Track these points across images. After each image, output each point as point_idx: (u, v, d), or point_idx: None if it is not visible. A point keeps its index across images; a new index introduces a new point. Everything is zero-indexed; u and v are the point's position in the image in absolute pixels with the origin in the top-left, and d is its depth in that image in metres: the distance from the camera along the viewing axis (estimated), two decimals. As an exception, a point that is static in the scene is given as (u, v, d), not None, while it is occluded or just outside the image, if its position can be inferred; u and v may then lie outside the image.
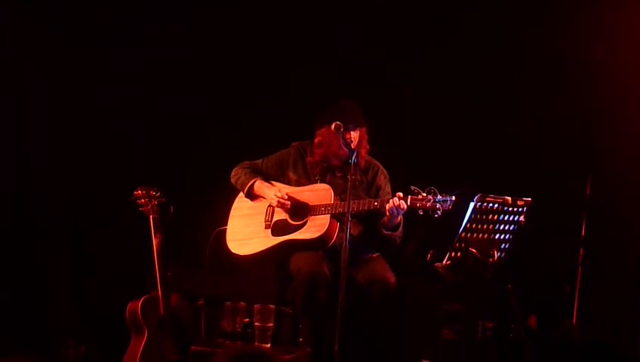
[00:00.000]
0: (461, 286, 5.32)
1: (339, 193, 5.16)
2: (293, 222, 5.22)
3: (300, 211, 5.22)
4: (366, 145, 5.28)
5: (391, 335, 5.82)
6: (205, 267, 5.44)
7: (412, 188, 4.93)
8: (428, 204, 4.87)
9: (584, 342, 5.51)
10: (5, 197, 6.26)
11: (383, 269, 5.09)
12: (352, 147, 5.08)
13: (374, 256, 5.20)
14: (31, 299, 6.27)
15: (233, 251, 5.31)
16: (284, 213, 5.26)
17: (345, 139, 5.10)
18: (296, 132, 5.55)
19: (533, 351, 5.36)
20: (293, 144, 5.45)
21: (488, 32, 6.13)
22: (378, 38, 6.23)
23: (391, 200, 4.95)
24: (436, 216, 4.87)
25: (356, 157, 4.99)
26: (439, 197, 4.86)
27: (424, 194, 4.89)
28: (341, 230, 5.01)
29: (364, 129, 5.25)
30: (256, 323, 5.09)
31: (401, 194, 4.95)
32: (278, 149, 5.48)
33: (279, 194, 5.24)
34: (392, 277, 5.05)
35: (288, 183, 5.36)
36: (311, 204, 5.18)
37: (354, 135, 5.18)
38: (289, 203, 5.23)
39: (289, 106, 6.19)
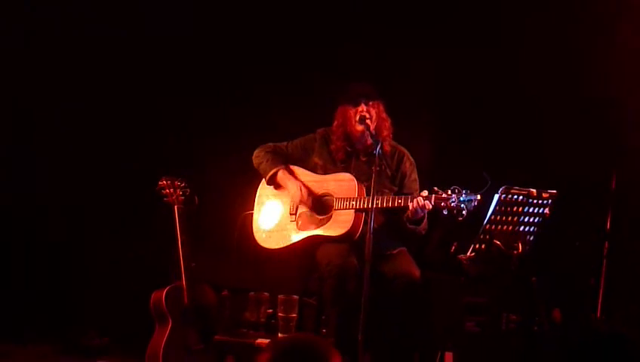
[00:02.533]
0: (485, 279, 5.30)
1: (363, 180, 5.13)
2: (318, 216, 5.20)
3: (322, 206, 5.21)
4: (388, 126, 5.23)
5: (415, 327, 5.83)
6: (233, 251, 5.42)
7: (435, 188, 4.86)
8: (452, 204, 4.80)
9: (608, 335, 5.47)
10: (29, 188, 6.31)
11: (407, 264, 5.07)
12: (369, 125, 5.05)
13: (400, 250, 5.18)
14: (56, 289, 6.32)
15: (260, 244, 5.29)
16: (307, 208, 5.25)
17: (369, 130, 5.08)
18: (320, 119, 5.54)
19: (557, 344, 5.33)
20: (319, 130, 5.41)
21: (513, 21, 6.09)
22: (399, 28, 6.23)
23: (415, 199, 4.88)
24: (460, 218, 4.79)
25: (381, 148, 4.97)
26: (463, 196, 4.80)
27: (449, 193, 4.83)
28: (366, 223, 4.98)
29: (380, 105, 5.20)
30: (280, 314, 5.10)
31: (425, 193, 4.90)
32: (302, 135, 5.46)
33: (298, 194, 5.20)
34: (416, 272, 5.02)
35: (313, 168, 5.32)
36: (335, 196, 5.16)
37: (371, 110, 5.15)
38: (311, 200, 5.20)
39: (314, 92, 6.17)
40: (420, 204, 4.86)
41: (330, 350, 2.35)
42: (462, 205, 4.78)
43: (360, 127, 5.13)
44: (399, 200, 4.97)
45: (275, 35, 6.33)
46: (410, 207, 4.90)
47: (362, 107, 5.13)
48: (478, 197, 4.80)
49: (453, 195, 4.81)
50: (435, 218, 5.21)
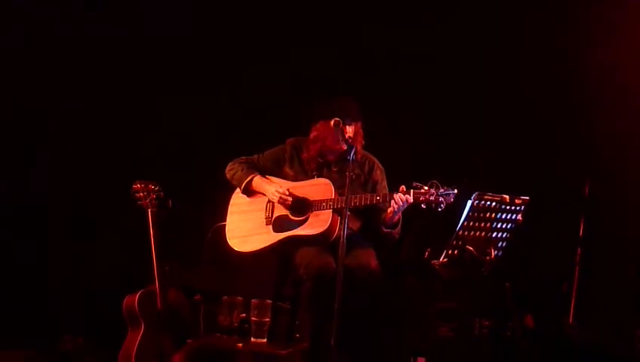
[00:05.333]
0: (458, 284, 5.32)
1: (336, 188, 5.16)
2: (294, 218, 5.22)
3: (301, 207, 5.22)
4: (361, 140, 5.28)
5: (387, 331, 5.83)
6: (203, 263, 5.44)
7: (414, 183, 4.93)
8: (431, 198, 4.88)
9: (581, 341, 5.50)
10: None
11: (366, 256, 5.08)
12: (350, 143, 5.09)
13: (364, 246, 5.18)
14: (28, 293, 6.28)
15: (235, 248, 5.29)
16: (285, 209, 5.26)
17: (344, 135, 5.11)
18: (293, 128, 5.54)
19: (530, 350, 5.36)
20: (288, 140, 5.44)
21: (488, 23, 6.12)
22: (375, 33, 6.24)
23: (396, 195, 4.96)
24: (439, 209, 4.88)
25: (354, 153, 5.00)
26: (442, 190, 4.88)
27: (426, 188, 4.90)
28: (342, 224, 5.00)
29: (359, 123, 5.25)
30: (253, 318, 5.10)
31: (404, 188, 4.96)
32: (274, 145, 5.48)
33: (281, 190, 5.23)
34: (373, 262, 5.05)
35: (285, 179, 5.35)
36: (312, 198, 5.18)
37: (349, 129, 5.18)
38: (291, 199, 5.22)
39: (285, 102, 6.18)
40: (403, 198, 4.92)
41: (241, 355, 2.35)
42: (440, 198, 4.87)
43: (344, 146, 5.16)
44: (378, 198, 5.01)
45: (250, 45, 6.34)
46: (393, 203, 4.95)
47: (346, 128, 5.14)
48: (455, 191, 4.89)
49: (432, 189, 4.88)
50: (408, 223, 5.23)
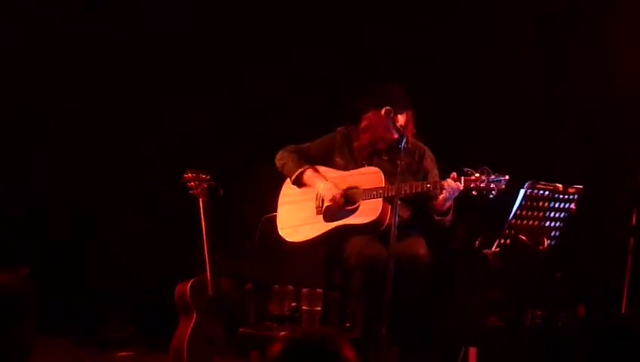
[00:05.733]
0: (510, 274, 5.29)
1: (387, 177, 5.13)
2: (345, 208, 5.20)
3: (351, 196, 5.21)
4: (412, 129, 5.24)
5: (438, 321, 5.82)
6: (254, 253, 5.45)
7: (465, 169, 4.89)
8: (482, 185, 4.82)
9: (633, 330, 5.45)
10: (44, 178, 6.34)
11: (415, 244, 5.04)
12: (402, 132, 5.06)
13: (414, 234, 5.15)
14: (80, 280, 6.35)
15: (286, 238, 5.28)
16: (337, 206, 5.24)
17: (395, 124, 5.09)
18: (340, 117, 5.53)
19: (582, 340, 5.32)
20: (338, 129, 5.41)
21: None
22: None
23: (446, 181, 4.91)
24: (491, 196, 4.82)
25: (406, 142, 4.97)
26: (493, 176, 4.82)
27: (477, 175, 4.85)
28: (393, 213, 4.98)
29: (410, 112, 5.21)
30: (304, 307, 5.12)
31: (455, 175, 4.91)
32: (325, 134, 5.46)
33: (331, 192, 5.17)
34: (421, 251, 5.00)
35: (335, 168, 5.34)
36: (362, 187, 5.17)
37: (400, 118, 5.15)
38: (343, 201, 5.19)
39: (335, 91, 6.17)
40: (452, 185, 4.87)
41: (344, 344, 2.33)
42: (492, 185, 4.80)
43: (395, 135, 5.13)
44: (428, 185, 4.98)
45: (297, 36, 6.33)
46: (443, 191, 4.90)
47: (397, 118, 5.11)
48: (507, 177, 4.82)
49: (483, 176, 4.82)
50: (460, 212, 5.20)
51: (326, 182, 5.25)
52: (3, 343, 2.17)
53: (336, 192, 5.16)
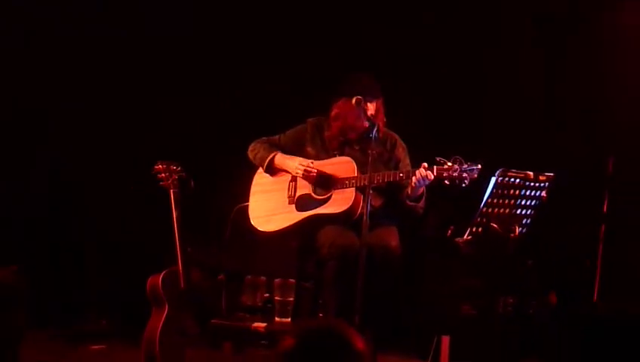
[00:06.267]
0: (482, 262, 5.31)
1: (359, 166, 5.12)
2: (317, 196, 5.19)
3: (323, 184, 5.20)
4: (383, 117, 5.23)
5: (410, 310, 5.83)
6: (226, 243, 5.43)
7: (437, 158, 4.88)
8: (455, 174, 4.82)
9: (605, 318, 5.48)
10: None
11: (387, 234, 5.05)
12: (372, 121, 5.05)
13: (387, 224, 5.16)
14: (54, 274, 6.31)
15: (258, 228, 5.28)
16: (308, 188, 5.24)
17: (365, 113, 5.07)
18: (310, 106, 5.51)
19: (554, 327, 5.34)
20: (309, 120, 5.40)
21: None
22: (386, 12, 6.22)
23: (417, 171, 4.90)
24: (463, 185, 4.81)
25: (377, 131, 4.97)
26: (465, 166, 4.81)
27: (450, 164, 4.84)
28: (366, 202, 4.97)
29: (380, 100, 5.20)
30: (277, 298, 5.11)
31: (426, 165, 4.90)
32: (295, 124, 5.46)
33: (305, 163, 5.21)
34: (393, 242, 5.01)
35: (306, 158, 5.33)
36: (335, 176, 5.16)
37: (371, 106, 5.14)
38: (315, 171, 5.19)
39: (303, 81, 6.17)
40: (423, 174, 4.87)
41: (354, 335, 2.33)
42: (464, 174, 4.79)
43: (366, 124, 5.12)
44: (401, 174, 4.98)
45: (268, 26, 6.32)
46: (414, 179, 4.90)
47: (367, 106, 5.11)
48: (479, 166, 4.82)
49: (455, 165, 4.82)
50: (432, 201, 5.20)
51: (295, 159, 5.25)
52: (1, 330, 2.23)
53: (308, 163, 5.15)
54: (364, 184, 4.97)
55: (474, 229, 4.83)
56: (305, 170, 5.17)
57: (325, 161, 5.25)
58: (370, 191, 4.81)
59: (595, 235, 5.71)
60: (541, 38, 6.11)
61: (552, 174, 4.84)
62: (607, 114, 6.00)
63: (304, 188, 5.24)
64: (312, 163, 5.20)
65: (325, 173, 5.18)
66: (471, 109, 6.11)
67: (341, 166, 5.16)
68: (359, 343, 2.32)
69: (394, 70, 6.00)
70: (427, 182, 4.91)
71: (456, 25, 6.15)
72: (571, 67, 6.08)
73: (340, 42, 6.24)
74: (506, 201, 4.83)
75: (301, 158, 5.25)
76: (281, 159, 5.30)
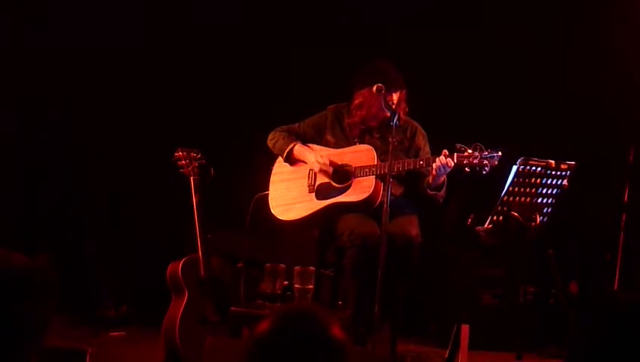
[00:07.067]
0: (503, 250, 5.29)
1: (379, 155, 5.11)
2: (337, 185, 5.18)
3: (343, 174, 5.19)
4: (405, 107, 5.20)
5: (430, 298, 5.82)
6: (246, 231, 5.42)
7: (458, 145, 4.85)
8: (475, 161, 4.79)
9: (625, 307, 5.45)
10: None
11: (407, 223, 5.01)
12: (393, 109, 5.03)
13: (407, 213, 5.13)
14: (72, 260, 6.33)
15: (278, 217, 5.26)
16: (327, 177, 5.23)
17: (386, 102, 5.06)
18: (333, 95, 5.50)
19: (574, 316, 5.32)
20: (330, 107, 5.38)
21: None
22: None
23: (437, 158, 4.88)
24: (484, 172, 4.78)
25: (398, 119, 4.95)
26: (485, 153, 4.79)
27: (470, 151, 4.81)
28: (386, 190, 4.95)
29: (404, 91, 5.18)
30: (296, 286, 5.09)
31: (447, 152, 4.87)
32: (317, 112, 5.45)
33: (321, 161, 5.19)
34: (414, 231, 4.97)
35: (327, 146, 5.31)
36: (354, 165, 5.15)
37: (395, 97, 5.12)
38: (331, 169, 5.19)
39: (326, 69, 6.15)
40: (443, 162, 4.84)
41: (333, 322, 2.29)
42: (484, 161, 4.77)
43: (387, 113, 5.08)
44: (421, 162, 4.96)
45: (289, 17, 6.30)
46: (434, 166, 4.87)
47: (392, 96, 5.07)
48: (500, 153, 4.78)
49: (476, 152, 4.79)
50: (452, 189, 5.19)
51: (313, 153, 5.23)
52: (30, 317, 2.27)
53: (324, 164, 5.15)
54: (384, 172, 4.95)
55: (495, 218, 4.82)
56: (321, 168, 5.17)
57: (345, 149, 5.23)
58: (391, 180, 4.79)
59: (616, 224, 5.68)
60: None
61: (573, 163, 4.81)
62: (628, 102, 5.96)
63: (324, 176, 5.23)
64: (329, 157, 5.17)
65: (342, 163, 5.16)
66: (492, 97, 6.08)
67: (361, 154, 5.14)
68: (336, 329, 2.27)
69: (415, 58, 5.98)
70: (448, 170, 4.88)
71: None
72: (591, 55, 6.04)
73: (361, 30, 6.22)
74: (527, 190, 4.81)
75: (319, 152, 5.22)
76: (300, 151, 5.27)
